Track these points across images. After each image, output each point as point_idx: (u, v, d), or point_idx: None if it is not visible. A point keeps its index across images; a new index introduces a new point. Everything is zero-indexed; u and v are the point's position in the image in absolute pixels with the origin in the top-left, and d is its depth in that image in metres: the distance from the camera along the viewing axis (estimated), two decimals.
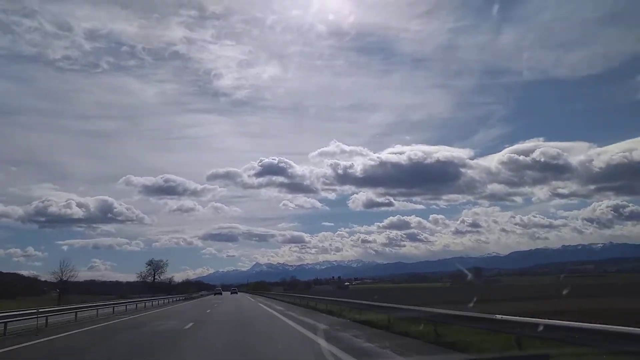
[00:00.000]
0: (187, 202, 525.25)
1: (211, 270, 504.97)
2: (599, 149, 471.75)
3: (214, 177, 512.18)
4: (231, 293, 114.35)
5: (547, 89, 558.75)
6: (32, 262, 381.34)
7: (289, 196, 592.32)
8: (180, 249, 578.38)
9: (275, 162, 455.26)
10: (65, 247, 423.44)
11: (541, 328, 8.97)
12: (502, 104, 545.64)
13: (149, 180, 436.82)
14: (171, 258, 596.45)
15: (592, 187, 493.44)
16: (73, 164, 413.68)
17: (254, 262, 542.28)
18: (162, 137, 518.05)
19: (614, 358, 7.88)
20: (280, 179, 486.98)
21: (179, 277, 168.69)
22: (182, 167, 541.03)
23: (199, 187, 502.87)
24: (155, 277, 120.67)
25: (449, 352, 11.19)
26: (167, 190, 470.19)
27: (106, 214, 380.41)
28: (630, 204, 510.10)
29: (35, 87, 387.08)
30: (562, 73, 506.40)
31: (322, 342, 13.27)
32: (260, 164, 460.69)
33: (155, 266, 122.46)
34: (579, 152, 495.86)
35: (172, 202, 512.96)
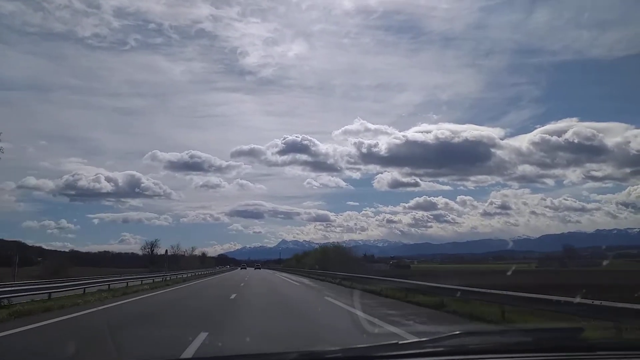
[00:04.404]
0: (213, 178, 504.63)
1: (238, 246, 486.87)
2: (636, 131, 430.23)
3: (238, 154, 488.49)
4: (255, 269, 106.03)
5: (582, 69, 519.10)
6: (66, 234, 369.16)
7: (313, 175, 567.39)
8: (208, 225, 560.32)
9: (299, 139, 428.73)
10: (96, 221, 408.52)
11: None
12: (534, 84, 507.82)
13: (174, 155, 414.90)
14: (199, 233, 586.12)
15: (628, 170, 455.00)
16: (102, 140, 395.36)
17: (280, 239, 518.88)
18: (189, 115, 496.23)
19: None
20: (304, 157, 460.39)
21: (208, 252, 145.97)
22: (209, 144, 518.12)
23: (224, 163, 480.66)
24: None
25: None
26: (193, 166, 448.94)
27: (134, 189, 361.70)
28: None
29: (66, 64, 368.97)
30: (598, 53, 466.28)
31: None
32: (283, 141, 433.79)
33: None
34: (615, 134, 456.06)
35: (198, 178, 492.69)
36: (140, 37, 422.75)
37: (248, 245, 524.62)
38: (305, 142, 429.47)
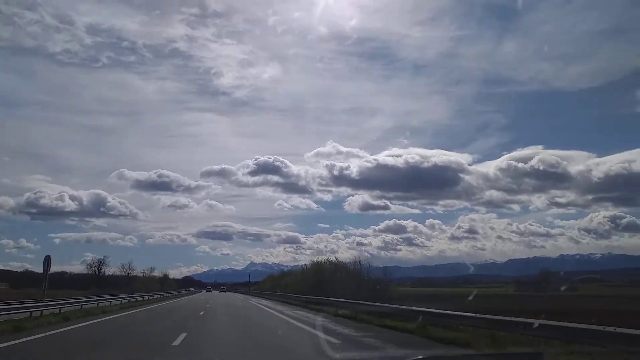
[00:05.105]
0: (181, 198, 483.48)
1: (205, 268, 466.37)
2: (598, 159, 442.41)
3: (208, 174, 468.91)
4: (220, 292, 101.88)
5: (547, 100, 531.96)
6: (25, 254, 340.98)
7: (284, 196, 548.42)
8: (174, 246, 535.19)
9: (271, 160, 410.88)
10: (57, 240, 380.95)
11: None
12: (501, 112, 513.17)
13: (142, 174, 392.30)
14: (165, 254, 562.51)
15: (590, 197, 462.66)
16: (69, 157, 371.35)
17: (249, 262, 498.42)
18: (160, 135, 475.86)
19: None
20: (276, 178, 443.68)
21: (173, 274, 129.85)
22: (179, 164, 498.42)
23: (194, 183, 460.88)
24: None
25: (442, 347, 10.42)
26: (161, 185, 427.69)
27: (99, 208, 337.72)
28: (628, 215, 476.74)
29: (36, 80, 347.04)
30: (562, 85, 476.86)
31: None
32: (255, 162, 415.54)
33: None
34: (578, 162, 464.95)
35: (166, 198, 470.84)
36: (113, 54, 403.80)
37: (215, 268, 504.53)
38: (277, 164, 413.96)
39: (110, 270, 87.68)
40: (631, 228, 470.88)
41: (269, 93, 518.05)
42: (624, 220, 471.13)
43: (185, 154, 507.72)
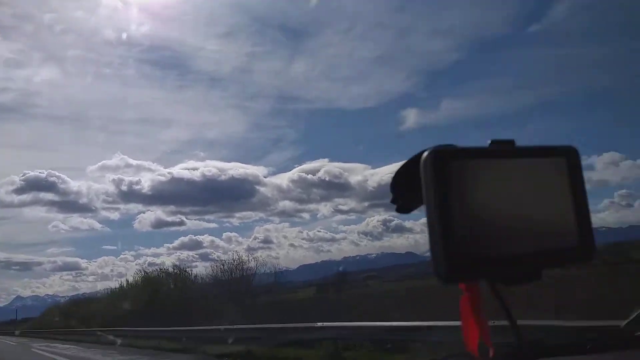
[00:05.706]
0: None
1: None
2: (372, 170, 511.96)
3: None
4: None
5: (332, 117, 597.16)
6: None
7: (61, 216, 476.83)
8: None
9: (44, 175, 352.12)
10: None
11: None
12: (293, 127, 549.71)
13: None
14: None
15: (367, 203, 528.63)
16: None
17: (15, 296, 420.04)
18: None
19: None
20: (50, 196, 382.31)
21: None
22: None
23: None
24: None
25: None
26: None
27: None
28: (395, 219, 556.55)
29: None
30: (344, 104, 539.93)
31: None
32: (23, 178, 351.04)
33: None
34: (357, 173, 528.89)
35: None
36: None
37: None
38: (52, 179, 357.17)
39: None
40: (398, 229, 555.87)
41: (43, 98, 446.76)
42: (393, 223, 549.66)
43: None
